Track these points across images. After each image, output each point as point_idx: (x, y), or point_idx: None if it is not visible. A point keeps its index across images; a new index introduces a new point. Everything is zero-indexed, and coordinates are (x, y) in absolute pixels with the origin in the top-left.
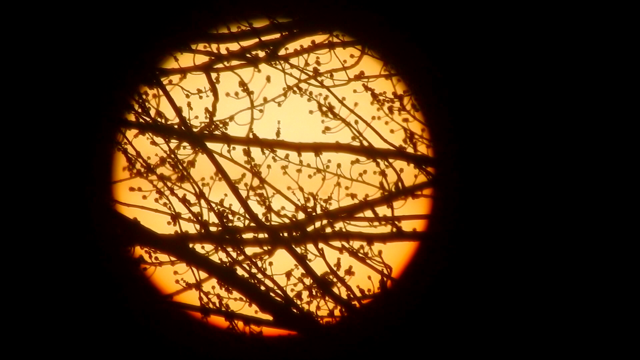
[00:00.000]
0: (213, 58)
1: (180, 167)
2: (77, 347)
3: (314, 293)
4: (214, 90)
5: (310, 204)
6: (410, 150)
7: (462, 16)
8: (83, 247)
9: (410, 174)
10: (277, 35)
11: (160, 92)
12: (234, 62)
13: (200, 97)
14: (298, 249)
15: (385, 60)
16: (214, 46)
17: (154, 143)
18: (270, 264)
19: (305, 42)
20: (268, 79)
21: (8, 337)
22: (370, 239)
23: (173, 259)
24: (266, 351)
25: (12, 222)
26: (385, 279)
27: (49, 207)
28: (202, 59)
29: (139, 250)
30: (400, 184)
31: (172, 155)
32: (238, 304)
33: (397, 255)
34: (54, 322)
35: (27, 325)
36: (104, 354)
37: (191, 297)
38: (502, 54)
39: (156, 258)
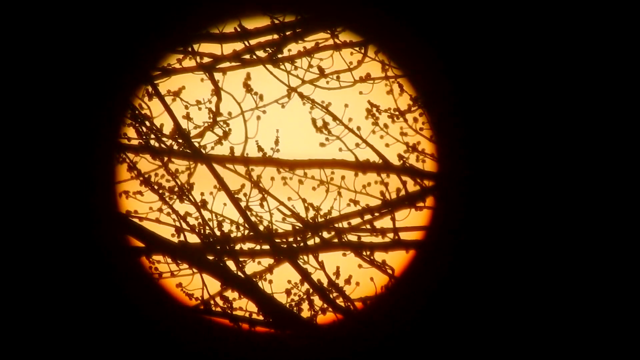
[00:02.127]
0: (215, 59)
1: (180, 181)
2: (81, 349)
3: (313, 305)
4: (217, 91)
5: (311, 214)
6: (411, 161)
7: (468, 17)
8: (91, 253)
9: (411, 184)
10: (279, 36)
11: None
12: (236, 63)
13: (200, 109)
14: (299, 262)
15: (391, 61)
16: (216, 47)
17: (151, 161)
18: (271, 282)
19: (309, 43)
20: (263, 84)
21: (17, 340)
22: (371, 248)
23: (175, 263)
24: (265, 351)
25: (16, 226)
26: (384, 285)
27: (55, 213)
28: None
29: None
30: (402, 193)
31: (171, 172)
32: (238, 305)
33: (396, 263)
34: (62, 326)
35: (36, 329)
36: (108, 355)
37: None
38: (510, 55)
39: (156, 268)
